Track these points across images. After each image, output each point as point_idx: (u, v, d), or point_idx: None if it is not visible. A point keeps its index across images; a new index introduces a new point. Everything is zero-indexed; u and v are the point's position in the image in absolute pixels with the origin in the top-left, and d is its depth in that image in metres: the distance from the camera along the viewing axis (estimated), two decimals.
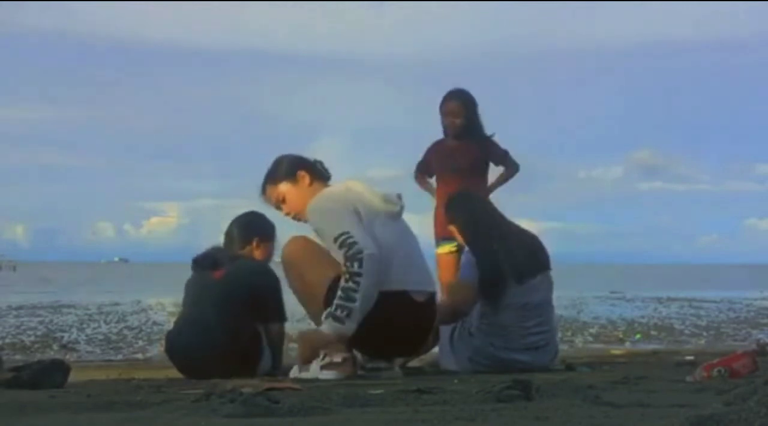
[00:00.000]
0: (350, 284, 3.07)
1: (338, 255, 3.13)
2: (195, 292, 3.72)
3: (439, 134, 5.15)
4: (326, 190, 3.39)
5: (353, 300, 3.07)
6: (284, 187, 3.50)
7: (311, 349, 3.19)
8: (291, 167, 3.50)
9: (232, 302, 3.54)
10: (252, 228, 3.86)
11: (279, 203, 3.54)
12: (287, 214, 3.53)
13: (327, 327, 3.11)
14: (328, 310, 3.10)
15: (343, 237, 3.12)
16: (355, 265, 3.07)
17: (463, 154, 4.97)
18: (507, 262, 3.66)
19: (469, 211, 3.84)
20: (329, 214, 3.24)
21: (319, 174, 3.52)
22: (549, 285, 3.80)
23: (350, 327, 3.09)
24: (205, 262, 3.75)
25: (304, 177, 3.48)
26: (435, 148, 5.14)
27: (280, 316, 3.66)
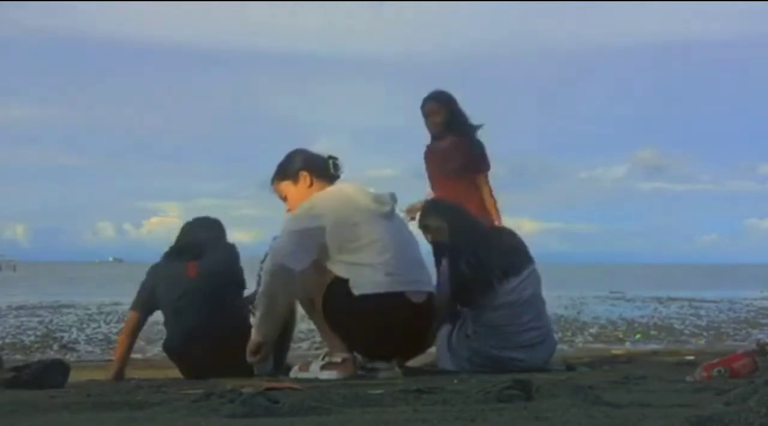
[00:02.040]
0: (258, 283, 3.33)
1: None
2: (175, 292, 3.71)
3: None
4: (312, 198, 3.38)
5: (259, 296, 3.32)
6: (286, 186, 3.55)
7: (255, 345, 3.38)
8: (297, 166, 3.53)
9: (215, 303, 3.57)
10: (217, 226, 3.96)
11: (283, 199, 3.59)
12: (288, 210, 3.55)
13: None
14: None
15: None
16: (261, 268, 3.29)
17: (453, 155, 4.86)
18: (492, 261, 3.66)
19: (445, 218, 3.83)
20: (288, 224, 3.32)
21: (323, 174, 3.51)
22: (537, 279, 3.80)
23: (256, 319, 3.33)
24: (180, 253, 3.82)
25: (306, 178, 3.49)
26: (426, 153, 5.06)
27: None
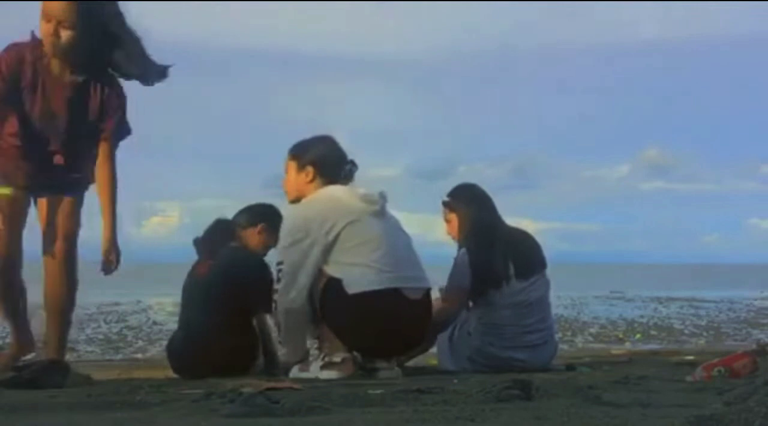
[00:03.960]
0: (274, 324, 3.44)
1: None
2: (185, 293, 3.76)
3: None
4: (297, 210, 3.40)
5: (279, 333, 3.41)
6: (290, 167, 3.53)
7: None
8: (310, 158, 3.49)
9: (217, 301, 3.56)
10: (263, 214, 3.86)
11: (285, 172, 3.59)
12: (284, 189, 3.59)
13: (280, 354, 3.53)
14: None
15: (279, 267, 3.32)
16: (274, 305, 3.34)
17: (84, 100, 3.34)
18: (508, 259, 3.68)
19: (473, 205, 3.82)
20: (283, 240, 3.34)
21: (330, 176, 3.47)
22: (546, 283, 3.81)
23: (285, 355, 3.49)
24: (201, 246, 3.80)
25: (309, 173, 3.48)
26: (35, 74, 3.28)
27: (262, 306, 3.58)
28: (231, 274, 3.62)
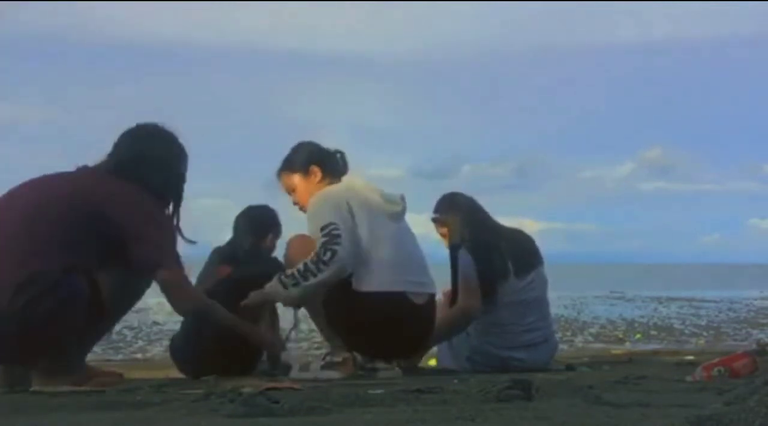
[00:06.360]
0: (313, 267, 3.14)
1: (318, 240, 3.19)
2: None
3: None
4: (326, 189, 3.38)
5: (306, 279, 3.15)
6: (296, 179, 3.51)
7: (254, 303, 3.29)
8: (307, 160, 3.50)
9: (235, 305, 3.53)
10: (267, 223, 3.81)
11: (290, 191, 3.56)
12: (295, 203, 3.55)
13: (271, 284, 3.22)
14: (283, 274, 3.20)
15: (330, 227, 3.17)
16: (328, 254, 3.14)
17: None
18: (505, 258, 3.68)
19: (464, 213, 3.82)
20: (321, 210, 3.26)
21: (332, 169, 3.49)
22: (544, 281, 3.82)
23: (289, 296, 3.22)
24: (225, 254, 3.73)
25: (317, 173, 3.48)
26: None
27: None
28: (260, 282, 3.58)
